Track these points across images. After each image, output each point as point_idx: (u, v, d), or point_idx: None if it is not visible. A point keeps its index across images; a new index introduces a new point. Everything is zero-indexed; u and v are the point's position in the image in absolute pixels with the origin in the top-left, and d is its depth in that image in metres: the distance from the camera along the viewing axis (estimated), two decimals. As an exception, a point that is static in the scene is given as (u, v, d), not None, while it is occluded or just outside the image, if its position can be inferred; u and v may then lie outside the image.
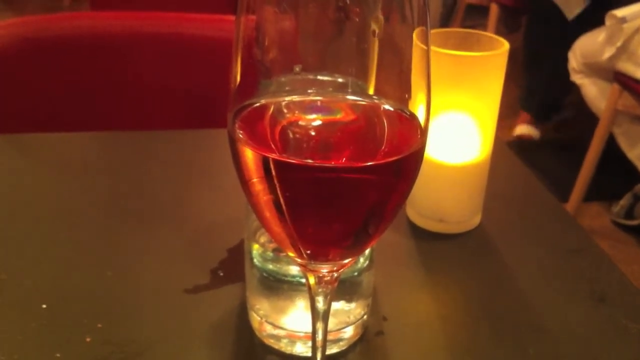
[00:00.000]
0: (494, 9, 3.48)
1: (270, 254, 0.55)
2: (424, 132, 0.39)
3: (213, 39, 1.15)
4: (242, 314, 0.60)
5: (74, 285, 0.63)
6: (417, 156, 0.39)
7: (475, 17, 3.92)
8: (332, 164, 0.37)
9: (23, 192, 0.79)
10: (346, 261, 0.42)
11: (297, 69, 0.39)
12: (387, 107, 0.40)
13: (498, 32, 3.44)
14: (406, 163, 0.38)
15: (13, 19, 1.15)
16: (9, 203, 0.76)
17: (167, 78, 1.18)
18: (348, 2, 0.38)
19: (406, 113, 0.39)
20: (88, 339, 0.57)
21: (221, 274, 0.65)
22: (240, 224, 0.59)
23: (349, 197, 0.38)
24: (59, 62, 1.15)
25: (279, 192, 0.37)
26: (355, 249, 0.41)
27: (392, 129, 0.41)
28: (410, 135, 0.39)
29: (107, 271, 0.65)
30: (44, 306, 0.60)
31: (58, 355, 0.55)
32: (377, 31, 0.38)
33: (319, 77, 0.40)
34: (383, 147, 0.39)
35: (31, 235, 0.71)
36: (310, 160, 0.37)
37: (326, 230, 0.39)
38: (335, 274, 0.43)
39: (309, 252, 0.40)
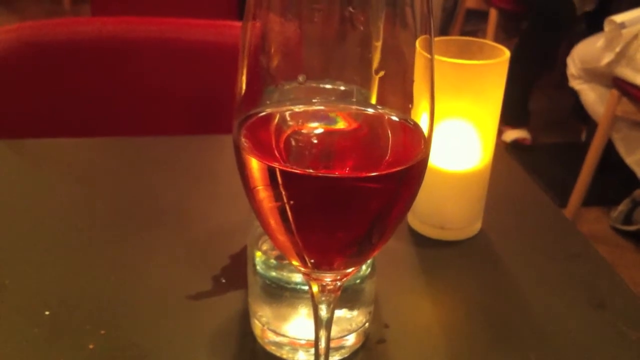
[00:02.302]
0: (493, 14, 3.49)
1: (273, 261, 0.55)
2: (427, 142, 0.39)
3: (214, 44, 1.15)
4: (244, 320, 0.60)
5: (77, 292, 0.64)
6: (421, 166, 0.39)
7: (475, 22, 3.93)
8: (337, 174, 0.38)
9: (25, 197, 0.79)
10: (350, 270, 0.42)
11: (300, 78, 0.39)
12: (390, 116, 0.41)
13: (497, 38, 3.46)
14: (410, 173, 0.38)
15: (14, 24, 1.16)
16: (11, 208, 0.76)
17: (168, 83, 1.19)
18: (352, 10, 0.39)
19: (410, 123, 0.40)
20: (91, 346, 0.57)
21: (223, 281, 0.65)
22: (243, 231, 0.59)
23: (353, 206, 0.38)
24: (60, 67, 1.15)
25: (283, 201, 0.38)
26: (359, 258, 0.41)
27: (396, 138, 0.41)
28: (414, 145, 0.40)
29: (110, 277, 0.65)
30: (47, 312, 0.60)
31: (61, 361, 0.55)
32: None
33: (323, 86, 0.41)
34: (387, 157, 0.39)
35: (34, 241, 0.71)
36: (314, 170, 0.37)
37: (330, 239, 0.40)
38: (339, 283, 0.43)
39: (313, 261, 0.40)
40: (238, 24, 1.17)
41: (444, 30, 3.96)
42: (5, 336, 0.58)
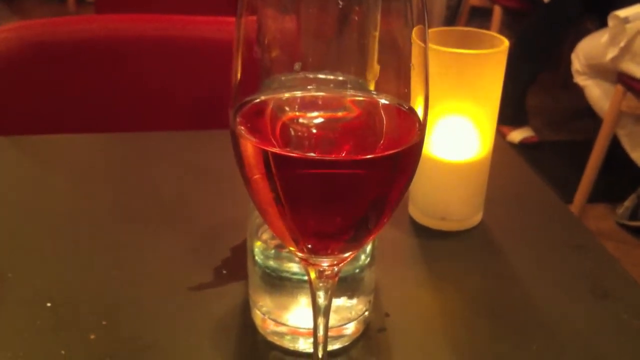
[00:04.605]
0: (498, 11, 3.49)
1: (272, 251, 0.56)
2: (422, 126, 0.39)
3: (216, 41, 1.16)
4: (246, 311, 0.60)
5: (79, 284, 0.64)
6: (415, 149, 0.39)
7: (479, 19, 3.93)
8: (332, 157, 0.38)
9: (28, 192, 0.79)
10: (347, 255, 0.42)
11: (297, 66, 0.39)
12: (386, 102, 0.41)
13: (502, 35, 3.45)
14: (405, 156, 0.38)
15: (18, 22, 1.16)
16: (15, 203, 0.77)
17: (170, 80, 1.19)
18: (348, 1, 0.39)
19: (404, 108, 0.40)
20: (92, 337, 0.57)
21: (224, 272, 0.65)
22: (243, 224, 0.59)
23: (349, 190, 0.38)
24: (60, 65, 1.15)
25: (279, 185, 0.38)
26: (355, 243, 0.42)
27: (391, 123, 0.41)
28: (409, 129, 0.40)
29: (111, 270, 0.66)
30: (49, 304, 0.61)
31: (63, 352, 0.56)
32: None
33: (320, 76, 0.41)
34: (382, 141, 0.40)
35: (36, 235, 0.71)
36: (310, 154, 0.37)
37: (326, 223, 0.40)
38: (336, 268, 0.43)
39: (309, 246, 0.41)
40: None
41: (448, 28, 3.96)
42: (7, 328, 0.58)
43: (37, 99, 1.16)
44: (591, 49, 2.47)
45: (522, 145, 3.03)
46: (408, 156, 0.39)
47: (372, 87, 0.41)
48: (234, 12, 0.39)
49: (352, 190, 0.38)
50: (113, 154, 0.91)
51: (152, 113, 1.20)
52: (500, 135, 0.73)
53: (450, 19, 4.06)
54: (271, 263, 0.55)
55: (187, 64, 1.19)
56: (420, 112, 0.40)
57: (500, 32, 3.44)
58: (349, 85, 0.41)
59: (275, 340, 0.57)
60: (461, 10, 4.05)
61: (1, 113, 1.11)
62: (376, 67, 0.40)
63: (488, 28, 3.53)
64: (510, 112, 3.04)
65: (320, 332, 0.47)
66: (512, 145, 3.02)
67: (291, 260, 0.55)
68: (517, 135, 3.07)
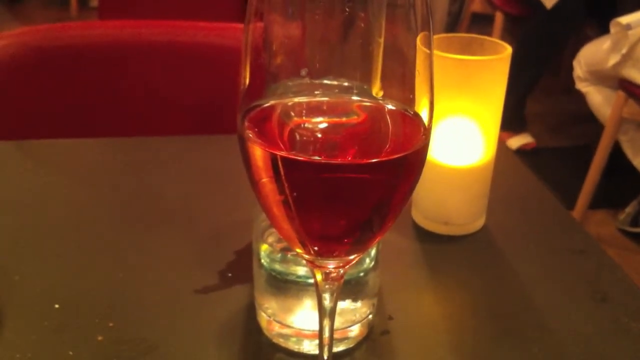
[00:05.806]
0: (499, 18, 3.49)
1: (278, 254, 0.56)
2: (427, 130, 0.40)
3: (221, 46, 1.16)
4: (251, 313, 0.61)
5: (86, 286, 0.65)
6: (420, 154, 0.40)
7: (481, 25, 3.94)
8: (338, 161, 0.39)
9: (33, 196, 0.80)
10: (352, 257, 0.43)
11: (303, 72, 0.40)
12: (391, 107, 0.42)
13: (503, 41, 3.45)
14: (410, 160, 0.39)
15: (21, 28, 1.17)
16: (20, 206, 0.77)
17: (173, 85, 1.20)
18: (353, 7, 0.40)
19: (409, 113, 0.41)
20: (100, 338, 0.58)
21: (230, 275, 0.66)
22: (247, 227, 0.60)
23: (355, 193, 0.39)
24: (63, 71, 1.16)
25: (287, 188, 0.38)
26: (361, 245, 0.42)
27: (396, 128, 0.42)
28: (414, 134, 0.41)
29: (118, 272, 0.66)
30: (57, 306, 0.61)
31: (70, 353, 0.56)
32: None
33: (325, 81, 0.41)
34: (387, 146, 0.40)
35: (43, 238, 0.72)
36: (317, 157, 0.38)
37: (332, 226, 0.40)
38: (342, 270, 0.44)
39: (316, 248, 0.41)
40: (242, 26, 1.17)
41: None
42: (16, 329, 0.59)
43: (40, 103, 1.16)
44: (593, 55, 2.48)
45: (520, 152, 3.02)
46: (413, 160, 0.39)
47: (376, 91, 0.41)
48: (240, 18, 0.40)
49: (359, 193, 0.39)
50: (117, 158, 0.91)
51: (155, 118, 1.21)
52: (503, 144, 0.73)
53: (452, 26, 4.07)
54: (277, 266, 0.56)
55: (190, 69, 1.19)
56: (424, 117, 0.40)
57: (502, 38, 3.45)
58: (354, 91, 0.42)
59: (280, 342, 0.58)
60: (462, 17, 4.06)
61: (5, 117, 1.12)
62: (379, 83, 0.41)
63: (489, 34, 3.53)
64: (510, 118, 3.03)
65: (326, 334, 0.48)
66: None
67: (297, 264, 0.55)
68: (514, 142, 3.07)
